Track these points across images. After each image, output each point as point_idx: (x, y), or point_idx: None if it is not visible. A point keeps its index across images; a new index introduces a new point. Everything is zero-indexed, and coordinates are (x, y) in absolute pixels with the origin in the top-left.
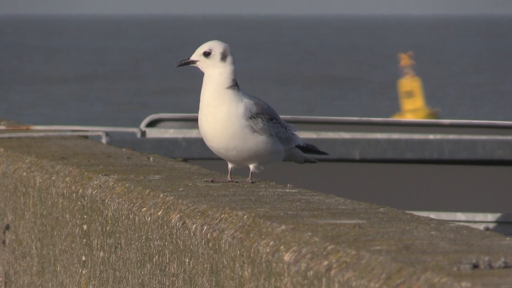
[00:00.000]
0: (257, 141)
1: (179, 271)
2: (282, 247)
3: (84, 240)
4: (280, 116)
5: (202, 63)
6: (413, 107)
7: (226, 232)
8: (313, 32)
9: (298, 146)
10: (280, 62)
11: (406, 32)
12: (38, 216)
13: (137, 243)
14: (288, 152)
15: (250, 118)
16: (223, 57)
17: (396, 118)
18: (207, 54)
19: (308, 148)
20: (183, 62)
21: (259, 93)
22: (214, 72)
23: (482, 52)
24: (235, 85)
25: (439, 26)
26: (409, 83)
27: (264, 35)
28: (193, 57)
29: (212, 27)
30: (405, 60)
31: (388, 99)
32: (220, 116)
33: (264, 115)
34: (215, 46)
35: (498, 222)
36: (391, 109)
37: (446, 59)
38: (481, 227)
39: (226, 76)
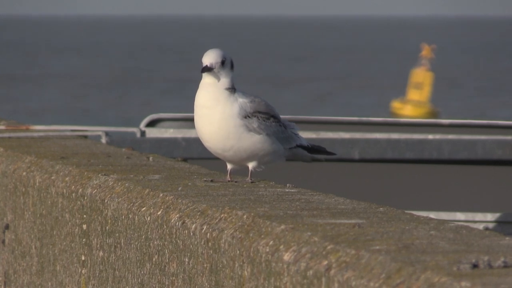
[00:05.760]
0: (253, 140)
1: (178, 271)
2: (281, 246)
3: (84, 240)
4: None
5: (216, 71)
6: (418, 99)
7: (225, 231)
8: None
9: (302, 146)
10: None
11: (403, 32)
12: (38, 215)
13: (136, 243)
14: (289, 151)
15: (245, 117)
16: (232, 66)
17: (394, 118)
18: (222, 63)
19: (315, 148)
20: (205, 69)
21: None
22: (219, 78)
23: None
24: (232, 88)
25: (438, 26)
26: (421, 75)
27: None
28: (212, 65)
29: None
30: (426, 51)
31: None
32: (215, 117)
33: (260, 114)
34: (227, 55)
35: (498, 221)
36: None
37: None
38: (481, 226)
39: (227, 81)
